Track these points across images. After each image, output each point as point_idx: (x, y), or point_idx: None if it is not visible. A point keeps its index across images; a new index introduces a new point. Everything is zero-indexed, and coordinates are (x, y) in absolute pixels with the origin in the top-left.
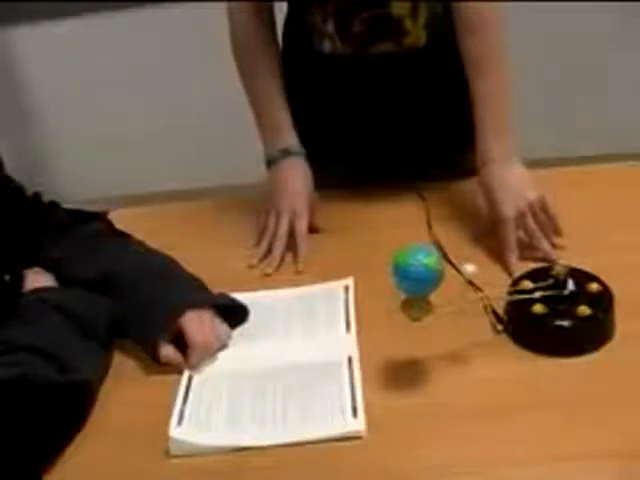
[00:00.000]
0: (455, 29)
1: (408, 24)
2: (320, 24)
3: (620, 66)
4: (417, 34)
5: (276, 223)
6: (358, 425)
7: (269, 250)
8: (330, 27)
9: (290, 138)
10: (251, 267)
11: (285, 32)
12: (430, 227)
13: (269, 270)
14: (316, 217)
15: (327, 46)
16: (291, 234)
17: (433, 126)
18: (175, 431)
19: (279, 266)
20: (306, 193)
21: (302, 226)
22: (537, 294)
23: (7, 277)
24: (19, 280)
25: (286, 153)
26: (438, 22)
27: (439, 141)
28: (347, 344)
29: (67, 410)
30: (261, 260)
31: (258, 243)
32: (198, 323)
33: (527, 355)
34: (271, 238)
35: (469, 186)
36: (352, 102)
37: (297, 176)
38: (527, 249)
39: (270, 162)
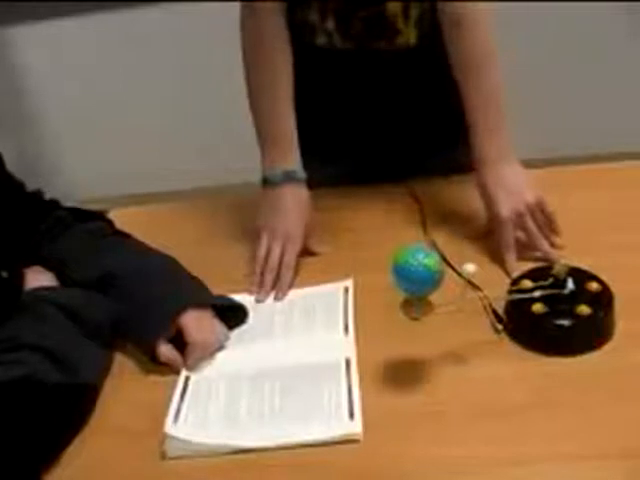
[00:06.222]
0: (442, 29)
1: (400, 23)
2: (318, 22)
3: (620, 66)
4: (408, 33)
5: (267, 251)
6: (355, 427)
7: (263, 278)
8: (330, 24)
9: (295, 160)
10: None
11: None
12: (425, 228)
13: (262, 297)
14: (313, 241)
15: (322, 40)
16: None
17: (426, 121)
18: (171, 428)
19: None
20: (302, 222)
21: (291, 257)
22: (537, 293)
23: (4, 274)
24: (19, 278)
25: (288, 177)
26: (427, 20)
27: (432, 135)
28: (345, 346)
29: (68, 411)
30: (259, 288)
31: (255, 272)
32: (198, 322)
33: (527, 354)
34: (262, 269)
35: (463, 185)
36: (344, 96)
37: (295, 202)
38: (526, 249)
39: (267, 182)
